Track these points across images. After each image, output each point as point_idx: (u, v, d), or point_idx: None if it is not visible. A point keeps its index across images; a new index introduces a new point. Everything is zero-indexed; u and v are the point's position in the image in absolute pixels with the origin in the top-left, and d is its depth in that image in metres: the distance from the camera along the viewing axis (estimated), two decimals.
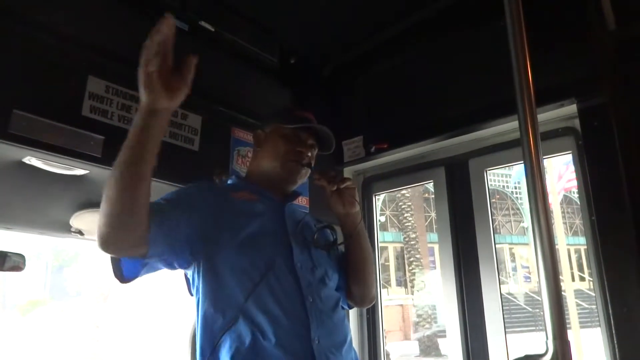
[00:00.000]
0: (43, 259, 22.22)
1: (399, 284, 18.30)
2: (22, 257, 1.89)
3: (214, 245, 1.27)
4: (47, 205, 1.87)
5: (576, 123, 1.81)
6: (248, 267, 1.26)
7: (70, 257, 21.51)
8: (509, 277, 18.93)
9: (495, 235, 2.11)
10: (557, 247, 0.94)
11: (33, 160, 1.47)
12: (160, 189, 1.76)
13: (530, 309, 15.98)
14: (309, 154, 1.48)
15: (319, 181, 1.41)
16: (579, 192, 1.82)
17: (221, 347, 1.21)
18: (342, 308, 1.44)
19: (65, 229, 1.96)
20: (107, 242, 1.09)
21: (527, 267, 19.46)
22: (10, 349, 15.92)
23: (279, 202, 1.46)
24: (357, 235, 1.46)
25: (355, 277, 1.50)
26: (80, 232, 1.99)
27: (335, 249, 1.49)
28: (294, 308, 1.25)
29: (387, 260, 17.97)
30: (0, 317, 17.42)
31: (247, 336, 1.20)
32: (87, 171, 1.59)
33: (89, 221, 1.92)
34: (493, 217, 2.14)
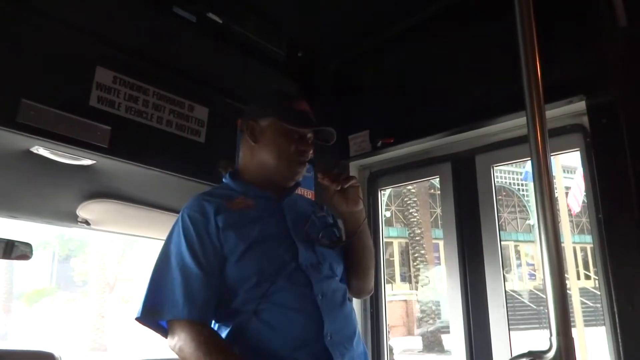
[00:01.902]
0: (50, 248, 22.39)
1: (403, 279, 18.30)
2: (29, 246, 1.90)
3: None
4: (54, 195, 1.89)
5: (584, 120, 1.80)
6: (255, 276, 1.25)
7: (76, 246, 21.65)
8: (514, 274, 18.88)
9: (501, 232, 2.10)
10: (563, 244, 0.93)
11: (40, 149, 1.48)
12: (165, 181, 1.78)
13: (535, 307, 15.94)
14: (310, 150, 1.45)
15: (322, 180, 1.38)
16: (586, 190, 1.80)
17: (233, 347, 1.22)
18: (349, 299, 1.43)
19: (72, 218, 1.97)
20: None
21: (532, 265, 19.39)
22: (16, 338, 16.09)
23: (277, 200, 1.43)
24: (359, 233, 1.44)
25: (355, 271, 1.49)
26: (86, 222, 2.01)
27: (344, 245, 1.48)
28: (307, 307, 1.25)
29: (391, 255, 17.97)
30: (9, 306, 17.59)
31: (261, 337, 1.22)
32: (94, 161, 1.60)
33: (96, 211, 1.93)
34: (499, 214, 2.13)
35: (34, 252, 1.94)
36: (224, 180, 1.50)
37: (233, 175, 1.49)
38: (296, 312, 1.24)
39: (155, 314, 1.24)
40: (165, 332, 1.26)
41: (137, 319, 1.25)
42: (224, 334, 1.27)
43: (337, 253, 1.45)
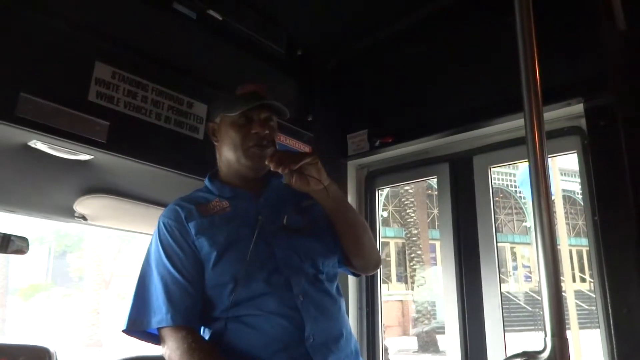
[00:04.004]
0: (46, 243, 22.34)
1: (399, 279, 18.32)
2: (25, 240, 1.90)
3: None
4: (51, 190, 1.88)
5: (582, 122, 1.80)
6: (231, 282, 1.25)
7: (73, 242, 21.60)
8: (510, 275, 18.92)
9: (497, 234, 2.11)
10: (558, 247, 0.94)
11: (39, 144, 1.48)
12: (163, 177, 1.78)
13: (530, 308, 15.98)
14: (266, 131, 1.36)
15: (269, 164, 1.26)
16: (582, 192, 1.81)
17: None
18: (339, 295, 1.40)
19: (69, 213, 1.97)
20: None
21: (528, 267, 19.44)
22: (12, 333, 16.06)
23: (254, 198, 1.39)
24: (336, 209, 1.36)
25: (349, 248, 1.42)
26: (83, 217, 2.00)
27: (315, 229, 1.39)
28: (287, 310, 1.23)
29: (388, 255, 17.97)
30: (4, 300, 17.54)
31: (241, 342, 1.23)
32: (92, 156, 1.59)
33: (93, 206, 1.93)
34: (496, 216, 2.14)
35: (30, 247, 1.93)
36: (204, 181, 1.48)
37: (212, 176, 1.47)
38: (276, 315, 1.22)
39: (140, 323, 1.25)
40: (154, 340, 1.27)
41: (124, 331, 1.26)
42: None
43: (324, 245, 1.39)
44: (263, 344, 1.21)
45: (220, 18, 1.94)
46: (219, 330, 1.25)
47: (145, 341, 1.29)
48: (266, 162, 1.28)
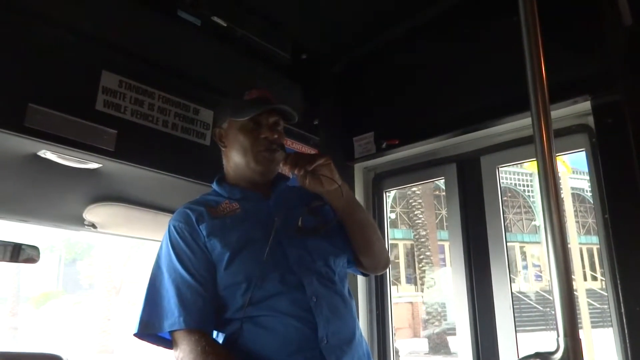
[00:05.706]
0: (56, 251, 22.51)
1: (408, 281, 18.25)
2: (36, 249, 1.91)
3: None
4: (61, 199, 1.90)
5: (590, 120, 1.79)
6: (244, 283, 1.24)
7: (83, 249, 21.75)
8: (520, 275, 18.80)
9: (507, 234, 2.10)
10: (569, 245, 0.93)
11: (48, 153, 1.49)
12: (171, 183, 1.79)
13: (541, 308, 15.86)
14: (275, 136, 1.39)
15: (284, 167, 1.31)
16: (592, 191, 1.80)
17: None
18: (350, 297, 1.39)
19: (79, 222, 1.98)
20: None
21: (539, 266, 19.30)
22: (24, 341, 16.16)
23: (263, 199, 1.40)
24: (347, 208, 1.38)
25: (359, 248, 1.44)
26: (93, 225, 2.02)
27: (329, 229, 1.39)
28: (300, 311, 1.23)
29: (397, 257, 17.92)
30: (16, 309, 17.69)
31: (255, 343, 1.22)
32: (101, 165, 1.61)
33: (102, 214, 1.94)
34: (504, 215, 2.13)
35: (40, 256, 1.95)
36: (212, 185, 1.48)
37: (219, 179, 1.48)
38: (290, 316, 1.22)
39: (152, 327, 1.24)
40: (166, 344, 1.26)
41: (135, 334, 1.25)
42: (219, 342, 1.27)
43: (334, 245, 1.39)
44: (277, 346, 1.20)
45: (225, 24, 1.95)
46: (234, 333, 1.25)
47: (157, 345, 1.28)
48: (281, 165, 1.32)
